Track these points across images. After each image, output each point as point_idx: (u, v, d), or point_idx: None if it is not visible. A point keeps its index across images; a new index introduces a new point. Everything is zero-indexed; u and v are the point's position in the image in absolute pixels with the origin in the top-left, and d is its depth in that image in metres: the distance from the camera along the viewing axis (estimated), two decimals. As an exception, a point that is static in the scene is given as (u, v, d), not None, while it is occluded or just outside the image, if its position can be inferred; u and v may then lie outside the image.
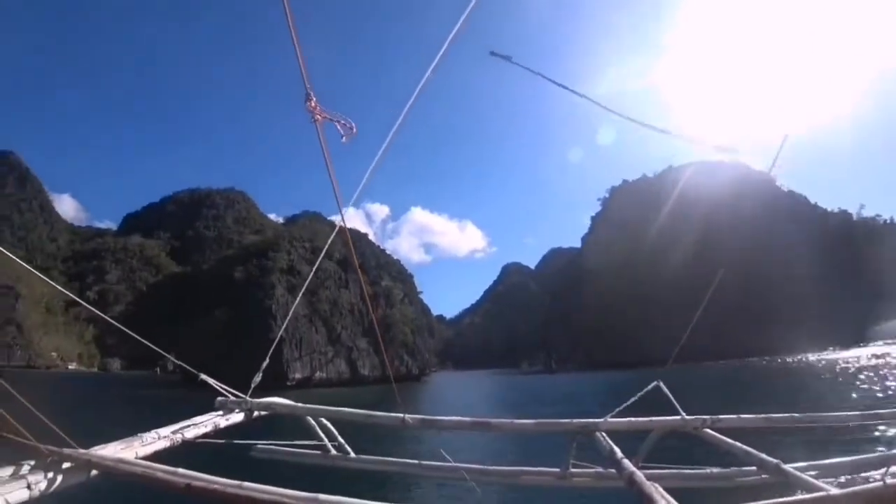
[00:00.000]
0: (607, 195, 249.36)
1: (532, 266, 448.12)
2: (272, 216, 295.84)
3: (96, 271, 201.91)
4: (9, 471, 2.15)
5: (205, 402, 3.17)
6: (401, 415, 3.03)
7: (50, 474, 2.19)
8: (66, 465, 2.25)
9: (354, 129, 1.69)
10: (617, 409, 3.11)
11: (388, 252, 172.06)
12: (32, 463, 2.21)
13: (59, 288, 3.55)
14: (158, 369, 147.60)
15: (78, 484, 2.28)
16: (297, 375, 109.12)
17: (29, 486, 2.10)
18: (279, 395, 3.34)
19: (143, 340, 2.92)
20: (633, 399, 3.10)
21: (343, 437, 3.33)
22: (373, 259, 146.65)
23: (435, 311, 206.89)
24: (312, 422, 3.24)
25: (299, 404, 3.20)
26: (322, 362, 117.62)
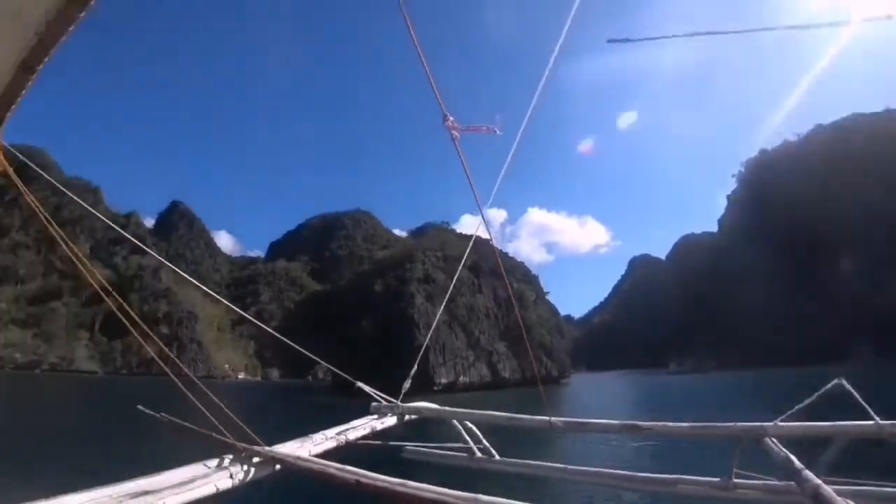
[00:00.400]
0: (742, 169, 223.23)
1: (662, 257, 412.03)
2: (396, 231, 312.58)
3: (252, 294, 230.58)
4: (215, 462, 2.60)
5: (353, 407, 3.48)
6: (546, 417, 2.98)
7: (244, 467, 2.60)
8: (255, 459, 2.64)
9: (499, 121, 1.75)
10: (788, 413, 2.73)
11: (510, 255, 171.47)
12: (231, 457, 2.64)
13: (237, 310, 4.14)
14: (310, 377, 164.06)
15: (265, 476, 2.66)
16: (443, 380, 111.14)
17: (231, 476, 2.52)
18: (426, 400, 3.51)
19: (304, 352, 3.29)
20: (808, 400, 2.68)
21: (487, 439, 3.39)
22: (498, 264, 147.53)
23: (562, 311, 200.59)
24: (458, 425, 3.35)
25: (446, 408, 3.33)
26: (464, 367, 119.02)
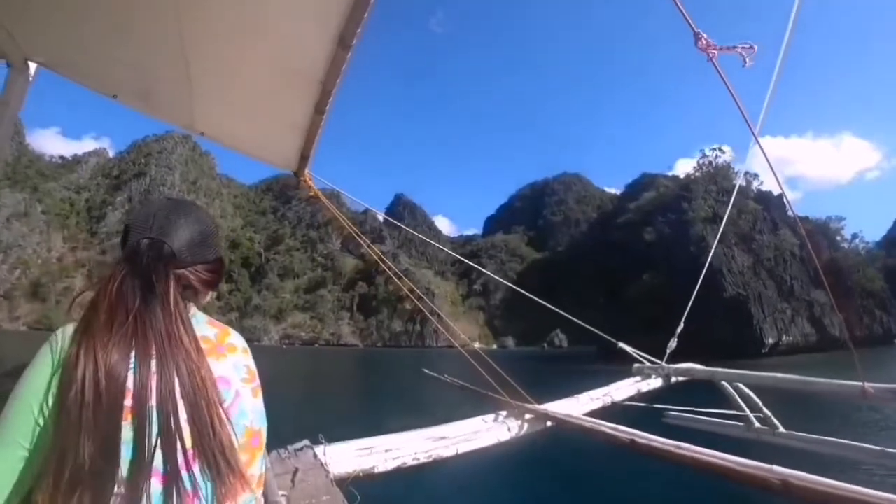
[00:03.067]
0: None
1: None
2: (608, 189, 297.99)
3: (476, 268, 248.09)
4: (492, 417, 3.03)
5: (605, 373, 3.53)
6: (859, 383, 2.49)
7: (519, 422, 2.96)
8: (527, 416, 2.98)
9: (755, 48, 1.56)
10: None
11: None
12: (505, 413, 3.04)
13: (485, 272, 4.56)
14: (546, 344, 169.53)
15: (537, 431, 2.98)
16: (770, 340, 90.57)
17: (508, 430, 2.91)
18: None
19: (579, 321, 3.47)
20: None
21: (770, 407, 3.06)
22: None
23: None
24: (730, 389, 3.11)
25: (718, 369, 3.10)
26: (784, 323, 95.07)
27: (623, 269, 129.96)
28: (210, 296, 1.14)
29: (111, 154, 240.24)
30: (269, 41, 2.00)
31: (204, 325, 1.02)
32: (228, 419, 0.90)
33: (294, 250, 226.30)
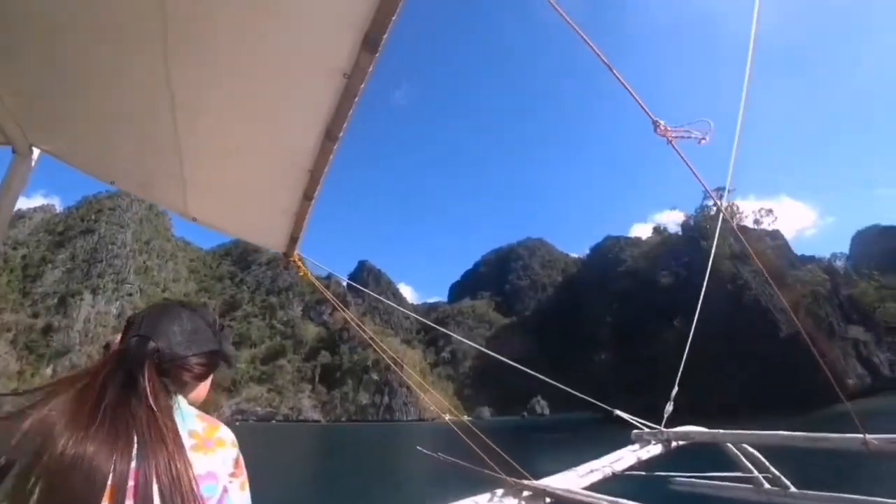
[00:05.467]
0: None
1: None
2: (573, 254, 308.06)
3: (444, 335, 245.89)
4: (487, 496, 2.84)
5: (602, 441, 3.41)
6: (860, 435, 2.48)
7: (515, 500, 2.78)
8: (525, 493, 2.81)
9: (712, 125, 1.71)
10: None
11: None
12: (502, 491, 2.86)
13: (468, 343, 4.44)
14: (526, 413, 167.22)
15: (536, 509, 2.80)
16: (850, 381, 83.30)
17: None
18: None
19: (572, 391, 3.38)
20: None
21: (778, 467, 3.02)
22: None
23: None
24: (734, 450, 3.08)
25: (720, 431, 3.10)
26: (841, 364, 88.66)
27: (631, 321, 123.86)
28: (203, 387, 1.21)
29: (59, 209, 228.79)
30: (261, 135, 2.19)
31: (192, 419, 1.05)
32: None
33: (252, 317, 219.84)
